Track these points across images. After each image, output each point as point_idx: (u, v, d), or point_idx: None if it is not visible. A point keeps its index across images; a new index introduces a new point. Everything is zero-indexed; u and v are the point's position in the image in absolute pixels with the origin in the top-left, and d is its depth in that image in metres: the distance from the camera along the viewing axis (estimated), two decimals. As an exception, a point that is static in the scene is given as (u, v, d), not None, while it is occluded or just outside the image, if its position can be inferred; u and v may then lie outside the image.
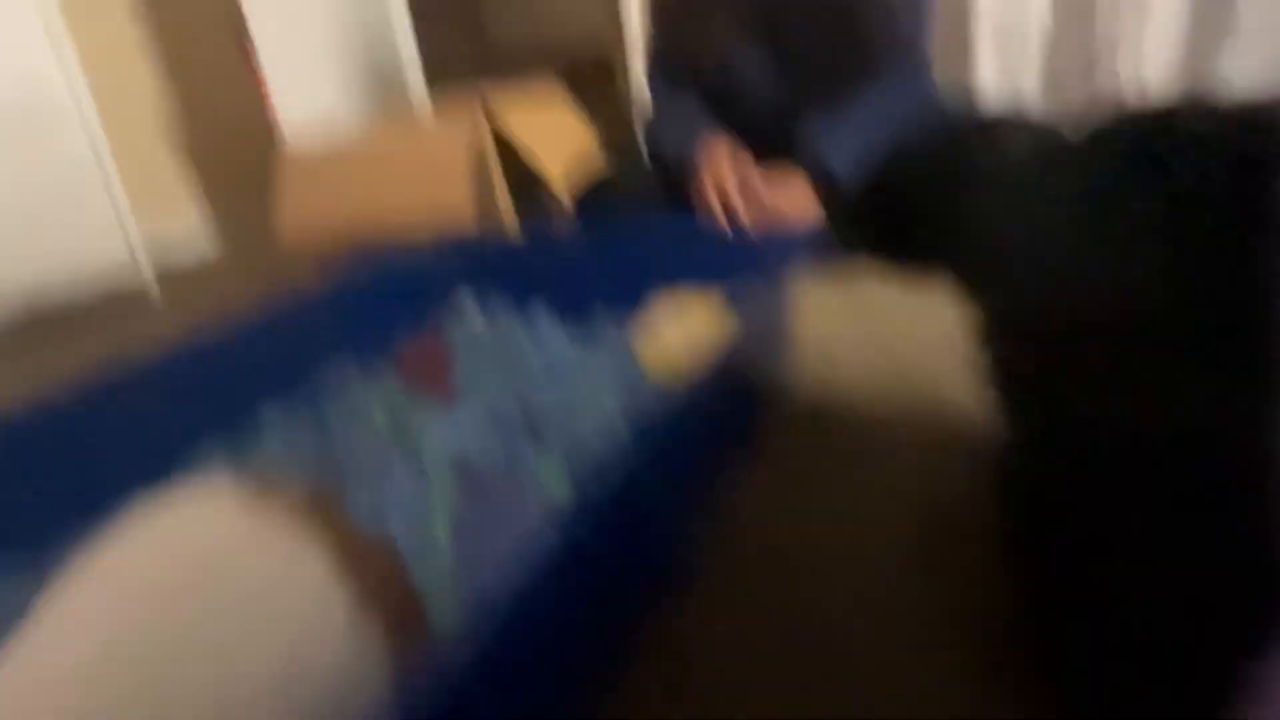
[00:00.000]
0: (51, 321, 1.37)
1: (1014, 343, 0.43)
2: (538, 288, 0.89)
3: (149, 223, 1.71)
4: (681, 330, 0.69)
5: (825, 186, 0.91)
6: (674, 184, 0.97)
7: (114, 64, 1.81)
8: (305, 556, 0.34)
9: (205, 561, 0.33)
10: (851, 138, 0.93)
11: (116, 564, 0.33)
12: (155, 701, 0.28)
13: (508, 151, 1.20)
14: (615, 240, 0.85)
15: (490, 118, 1.17)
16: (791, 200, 0.89)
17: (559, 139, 1.30)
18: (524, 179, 1.22)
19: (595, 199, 1.06)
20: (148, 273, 1.52)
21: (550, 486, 0.60)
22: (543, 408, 0.71)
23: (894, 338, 0.86)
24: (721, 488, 0.61)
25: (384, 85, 1.75)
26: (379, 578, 0.37)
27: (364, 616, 0.33)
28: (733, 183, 0.88)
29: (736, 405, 0.65)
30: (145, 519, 0.35)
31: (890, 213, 0.94)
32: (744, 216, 0.87)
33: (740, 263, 0.73)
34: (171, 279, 1.57)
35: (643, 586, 0.50)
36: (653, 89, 1.10)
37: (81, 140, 1.44)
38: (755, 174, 0.89)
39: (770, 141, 0.96)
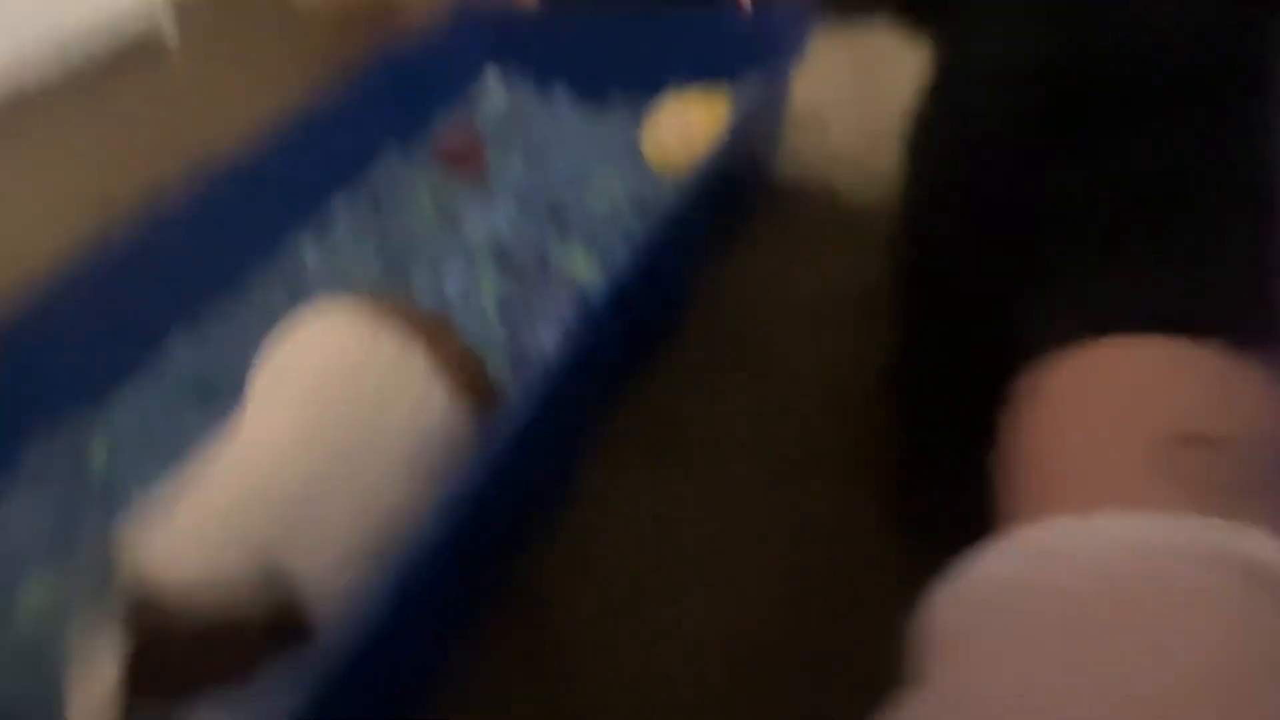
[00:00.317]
0: (83, 71, 1.43)
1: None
2: (559, 70, 0.93)
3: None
4: (681, 129, 0.76)
5: None
6: None
7: None
8: (412, 354, 0.50)
9: (349, 360, 0.49)
10: None
11: (293, 369, 0.49)
12: (345, 468, 0.46)
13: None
14: (636, 27, 0.87)
15: None
16: None
17: None
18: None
19: None
20: (169, 24, 1.51)
21: (574, 271, 0.74)
22: (564, 195, 0.82)
23: (890, 97, 0.91)
24: (712, 268, 0.74)
25: None
26: (460, 362, 0.53)
27: (457, 396, 0.50)
28: None
29: (730, 193, 0.75)
30: (306, 338, 0.50)
31: None
32: None
33: (753, 56, 0.77)
34: (190, 30, 1.56)
35: (643, 347, 0.67)
36: None
37: None
38: None
39: None
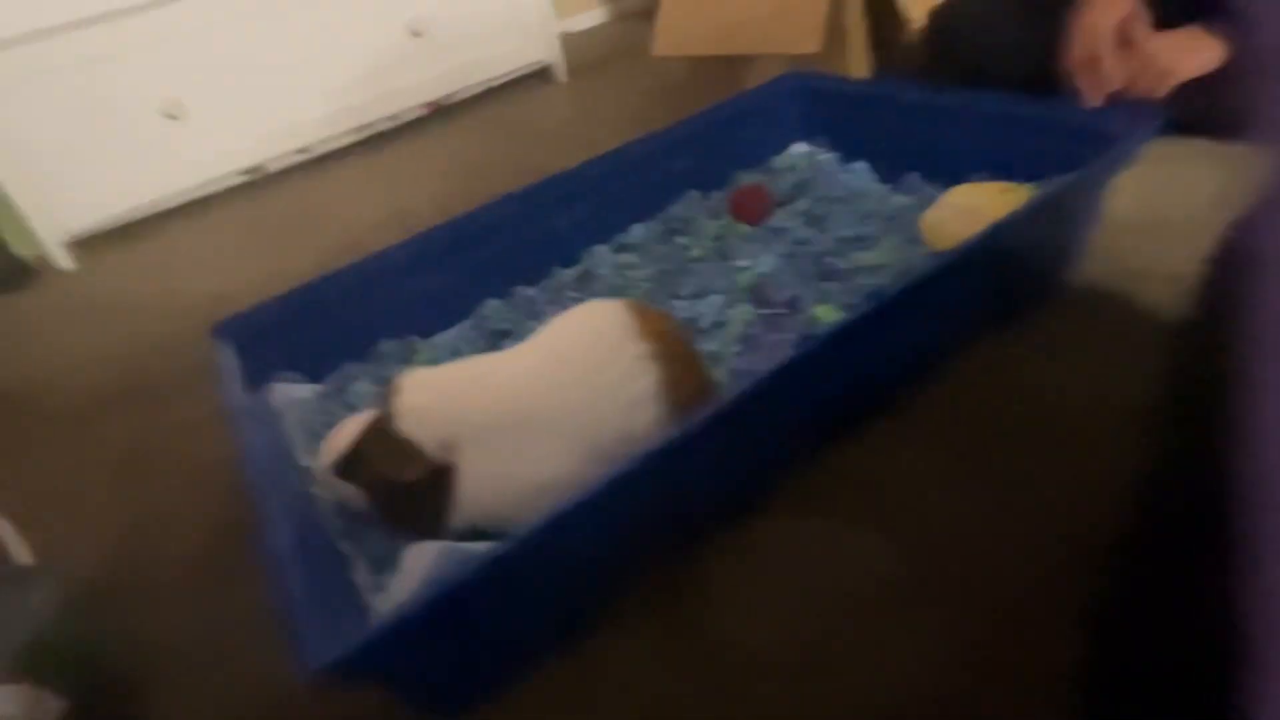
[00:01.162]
0: (492, 94, 1.84)
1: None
2: (864, 144, 0.99)
3: (562, 19, 2.10)
4: (968, 211, 0.76)
5: (1239, 36, 0.78)
6: (1047, 14, 0.86)
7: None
8: (637, 343, 0.60)
9: (592, 333, 0.61)
10: None
11: (559, 327, 0.63)
12: (579, 399, 0.57)
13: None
14: (949, 111, 0.89)
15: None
16: (1178, 52, 0.77)
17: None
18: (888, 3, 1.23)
19: (952, 11, 1.05)
20: (560, 61, 1.89)
21: (821, 317, 0.78)
22: (834, 253, 0.86)
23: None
24: (966, 346, 0.73)
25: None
26: (682, 362, 0.61)
27: (664, 388, 0.59)
28: (1106, 44, 0.78)
29: (1002, 280, 0.73)
30: (578, 312, 0.64)
31: None
32: (1111, 79, 0.78)
33: (1071, 157, 0.74)
34: (578, 67, 1.93)
35: (866, 404, 0.68)
36: None
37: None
38: (1147, 33, 0.78)
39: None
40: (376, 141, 1.73)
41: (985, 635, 0.52)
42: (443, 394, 0.60)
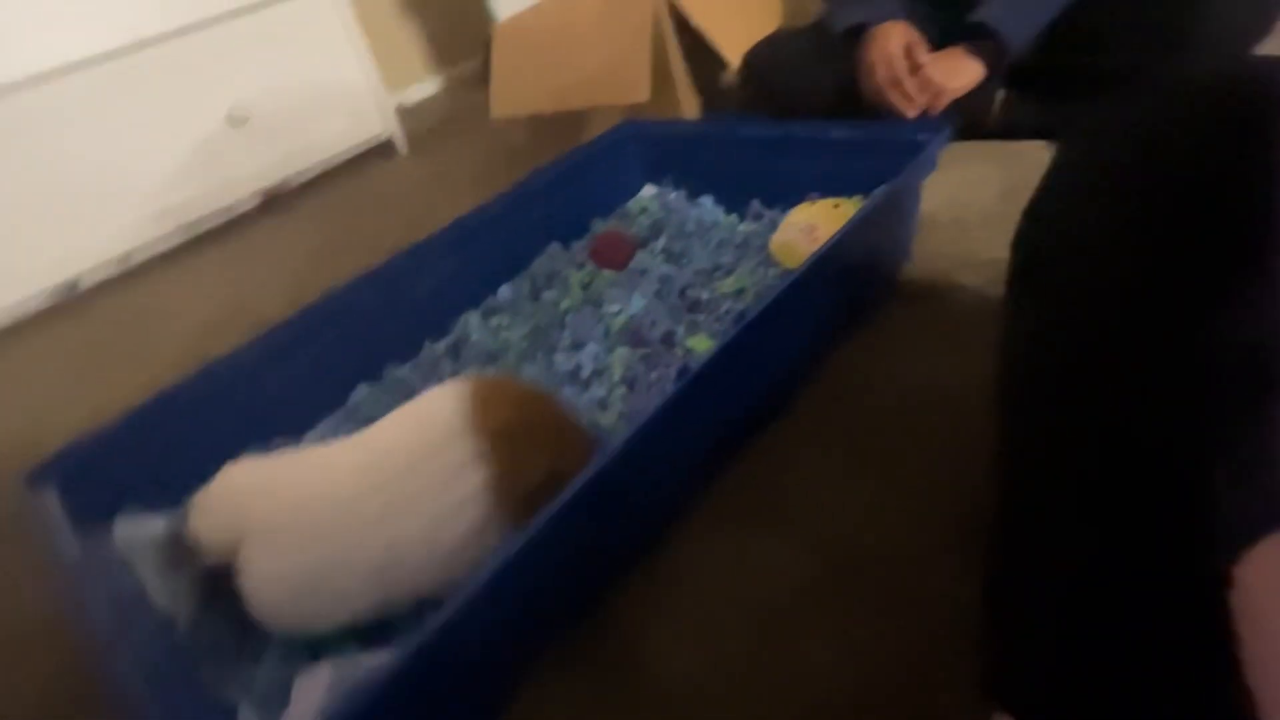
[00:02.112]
0: (331, 175, 1.78)
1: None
2: (708, 181, 1.04)
3: (394, 92, 2.09)
4: (808, 229, 0.82)
5: (994, 54, 0.91)
6: (838, 52, 1.00)
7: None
8: (468, 456, 0.56)
9: (427, 432, 0.58)
10: (1024, 2, 0.90)
11: (392, 420, 0.61)
12: (382, 503, 0.55)
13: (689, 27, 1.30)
14: (778, 142, 0.96)
15: (671, 2, 1.26)
16: (948, 72, 0.90)
17: (741, 12, 1.36)
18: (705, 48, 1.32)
19: (763, 57, 1.15)
20: (399, 135, 1.86)
21: (697, 347, 0.80)
22: (697, 285, 0.89)
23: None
24: (828, 350, 0.77)
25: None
26: (533, 452, 0.58)
27: (501, 492, 0.56)
28: (901, 67, 0.90)
29: (847, 284, 0.78)
30: (414, 404, 0.61)
31: (1059, 74, 0.94)
32: (910, 101, 0.91)
33: (888, 169, 0.82)
34: (417, 139, 1.91)
35: (750, 419, 0.70)
36: None
37: (340, 27, 1.74)
38: (926, 57, 0.91)
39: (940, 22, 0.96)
40: (208, 240, 1.62)
41: (906, 625, 0.54)
42: (241, 487, 0.58)
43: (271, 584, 0.56)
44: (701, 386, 0.58)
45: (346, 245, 1.43)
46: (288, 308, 0.84)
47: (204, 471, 0.63)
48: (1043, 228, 0.42)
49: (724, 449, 0.68)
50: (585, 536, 0.55)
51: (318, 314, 0.83)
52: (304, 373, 0.81)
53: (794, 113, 1.02)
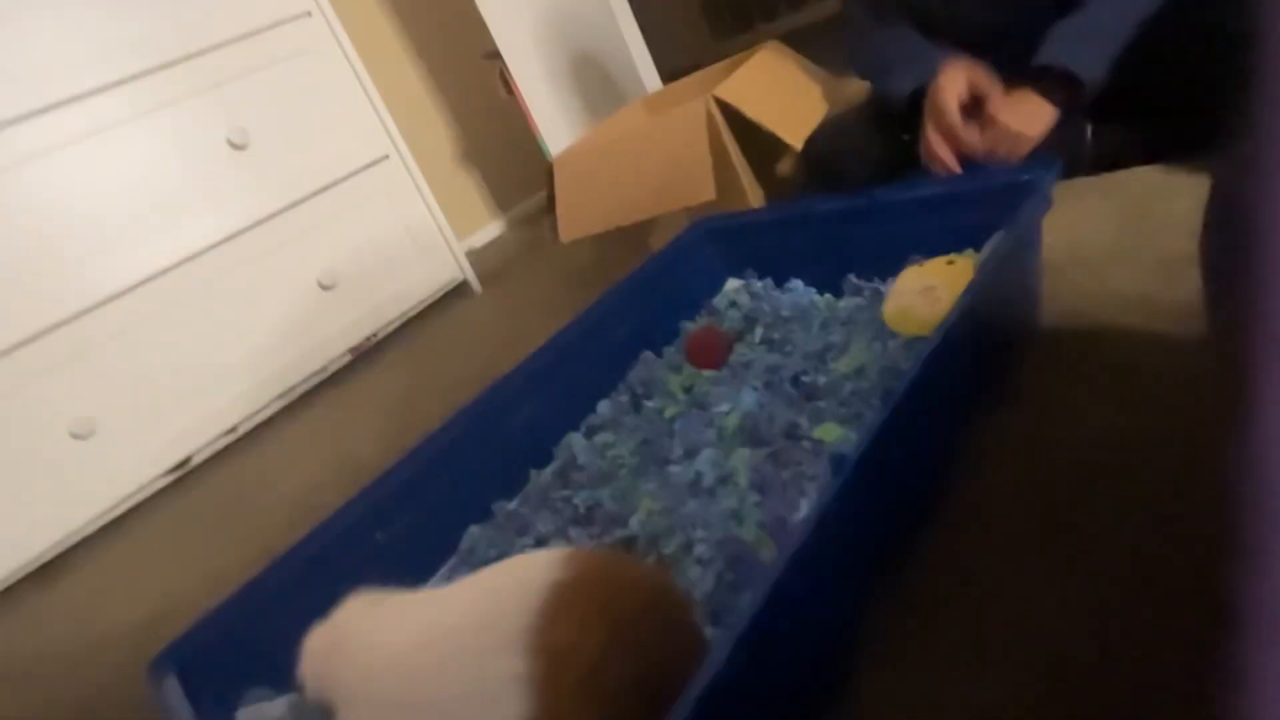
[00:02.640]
0: (418, 319, 1.84)
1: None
2: (794, 266, 1.00)
3: (465, 239, 2.20)
4: (924, 289, 0.75)
5: (1070, 92, 0.86)
6: (896, 115, 0.99)
7: (418, 122, 2.26)
8: (511, 676, 0.43)
9: (482, 627, 0.47)
10: (1093, 34, 0.86)
11: (478, 581, 0.53)
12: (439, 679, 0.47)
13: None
14: (865, 211, 0.91)
15: (721, 101, 1.28)
16: (1024, 118, 0.86)
17: (789, 99, 1.37)
18: (768, 139, 1.32)
19: (822, 141, 1.15)
20: (471, 276, 1.92)
21: (826, 436, 0.73)
22: (809, 370, 0.83)
23: (1160, 233, 0.82)
24: (974, 426, 0.68)
25: (621, 82, 1.94)
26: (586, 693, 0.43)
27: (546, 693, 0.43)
28: (955, 111, 0.87)
29: (985, 345, 0.70)
30: (507, 566, 0.53)
31: (1141, 105, 0.88)
32: (975, 148, 0.87)
33: (992, 217, 0.77)
34: (489, 277, 1.97)
35: (906, 518, 0.61)
36: (853, 16, 1.12)
37: (411, 188, 1.85)
38: (999, 101, 0.87)
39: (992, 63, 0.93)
40: (304, 401, 1.67)
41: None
42: (339, 635, 0.55)
43: None
44: (861, 479, 0.50)
45: (433, 385, 1.44)
46: (383, 455, 0.82)
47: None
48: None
49: (882, 560, 0.59)
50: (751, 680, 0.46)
51: (417, 458, 0.80)
52: (411, 521, 0.77)
53: (853, 188, 0.98)
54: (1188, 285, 0.75)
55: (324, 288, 1.69)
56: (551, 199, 1.52)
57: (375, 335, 1.78)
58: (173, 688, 0.61)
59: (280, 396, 1.64)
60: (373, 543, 0.75)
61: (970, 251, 0.80)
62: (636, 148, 1.38)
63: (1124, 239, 0.86)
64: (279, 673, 0.66)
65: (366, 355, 1.77)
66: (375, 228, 1.78)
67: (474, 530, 0.81)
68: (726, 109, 1.26)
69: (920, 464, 0.62)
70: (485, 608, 0.48)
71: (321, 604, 0.68)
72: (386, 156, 1.80)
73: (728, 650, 0.41)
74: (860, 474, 0.50)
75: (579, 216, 1.47)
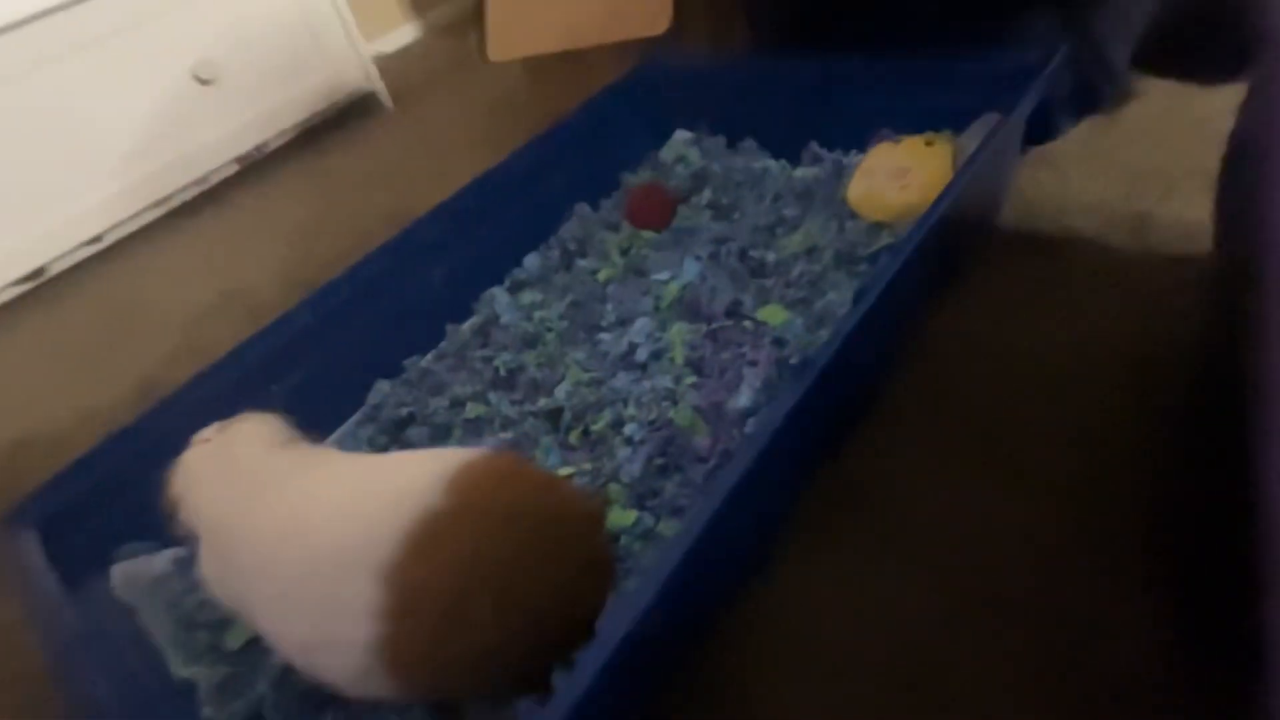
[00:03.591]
0: (316, 132, 1.63)
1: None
2: (751, 124, 0.91)
3: (374, 41, 1.92)
4: (898, 175, 0.70)
5: None
6: None
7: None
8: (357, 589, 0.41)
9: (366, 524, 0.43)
10: None
11: (360, 476, 0.48)
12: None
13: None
14: (831, 78, 0.82)
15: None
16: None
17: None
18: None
19: None
20: (381, 88, 1.70)
21: (770, 319, 0.69)
22: (757, 245, 0.78)
23: (1134, 143, 0.79)
24: (927, 319, 0.66)
25: None
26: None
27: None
28: None
29: (956, 244, 0.67)
30: (392, 468, 0.48)
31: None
32: None
33: (976, 102, 0.70)
34: (403, 93, 1.75)
35: (850, 408, 0.60)
36: None
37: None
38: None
39: None
40: (185, 213, 1.48)
41: (1058, 647, 0.45)
42: (221, 464, 0.50)
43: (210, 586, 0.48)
44: (817, 391, 0.47)
45: (337, 215, 1.29)
46: (281, 290, 0.72)
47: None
48: None
49: (821, 452, 0.58)
50: (700, 577, 0.45)
51: (323, 303, 0.71)
52: (315, 373, 0.70)
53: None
54: (1149, 198, 0.74)
55: (201, 81, 1.44)
56: (481, 6, 1.32)
57: (265, 145, 1.57)
58: (30, 544, 0.54)
59: (154, 205, 1.44)
60: (265, 392, 0.68)
61: (949, 133, 0.74)
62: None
63: (1092, 142, 0.82)
64: (159, 529, 0.61)
65: (258, 169, 1.57)
66: (263, 15, 1.51)
67: (383, 385, 0.74)
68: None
69: (873, 365, 0.60)
70: (357, 516, 0.43)
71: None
72: (280, -75, 1.50)
73: (651, 596, 0.39)
74: (819, 384, 0.47)
75: (513, 34, 1.29)
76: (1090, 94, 0.76)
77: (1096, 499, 0.52)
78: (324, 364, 0.70)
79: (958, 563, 0.51)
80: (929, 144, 0.71)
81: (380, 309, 0.74)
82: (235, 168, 1.54)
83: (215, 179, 1.52)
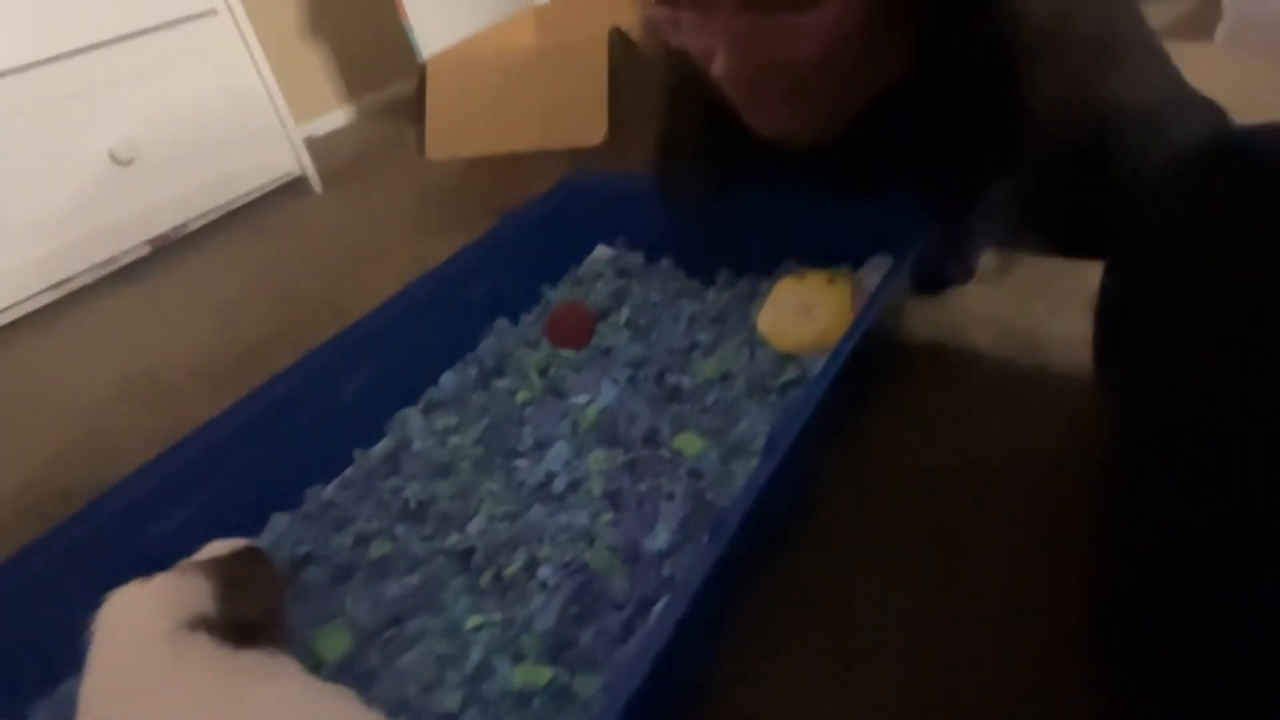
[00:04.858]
0: (239, 214, 1.59)
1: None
2: (667, 244, 0.94)
3: (305, 126, 1.91)
4: (805, 307, 0.73)
5: None
6: None
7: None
8: None
9: None
10: None
11: None
12: None
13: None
14: (748, 204, 0.86)
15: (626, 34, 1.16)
16: None
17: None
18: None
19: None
20: (311, 170, 1.68)
21: (685, 447, 0.70)
22: (674, 368, 0.79)
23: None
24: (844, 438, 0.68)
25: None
26: None
27: None
28: None
29: (859, 373, 0.70)
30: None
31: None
32: None
33: (876, 236, 0.75)
34: (333, 175, 1.74)
35: (775, 530, 0.60)
36: None
37: (242, 52, 1.56)
38: None
39: None
40: (90, 294, 1.41)
41: None
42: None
43: None
44: (735, 539, 0.48)
45: (258, 299, 1.25)
46: (191, 376, 0.69)
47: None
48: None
49: (754, 572, 0.58)
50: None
51: (223, 426, 0.68)
52: (204, 510, 0.65)
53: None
54: (1036, 314, 0.79)
55: (119, 162, 1.40)
56: (421, 105, 1.33)
57: (184, 226, 1.53)
58: None
59: (54, 287, 1.37)
60: (149, 527, 0.63)
61: (848, 270, 0.78)
62: (525, 70, 1.23)
63: (985, 261, 0.88)
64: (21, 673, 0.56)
65: (177, 250, 1.52)
66: (191, 97, 1.49)
67: (280, 519, 0.70)
68: (630, 42, 1.14)
69: (789, 497, 0.61)
70: None
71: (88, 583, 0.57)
72: (213, 11, 1.50)
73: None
74: (737, 535, 0.47)
75: (450, 135, 1.30)
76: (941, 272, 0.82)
77: (1011, 603, 0.53)
78: (214, 499, 0.66)
79: (904, 679, 0.51)
80: (830, 281, 0.75)
81: (281, 435, 0.71)
82: (147, 249, 1.48)
83: (125, 260, 1.46)
